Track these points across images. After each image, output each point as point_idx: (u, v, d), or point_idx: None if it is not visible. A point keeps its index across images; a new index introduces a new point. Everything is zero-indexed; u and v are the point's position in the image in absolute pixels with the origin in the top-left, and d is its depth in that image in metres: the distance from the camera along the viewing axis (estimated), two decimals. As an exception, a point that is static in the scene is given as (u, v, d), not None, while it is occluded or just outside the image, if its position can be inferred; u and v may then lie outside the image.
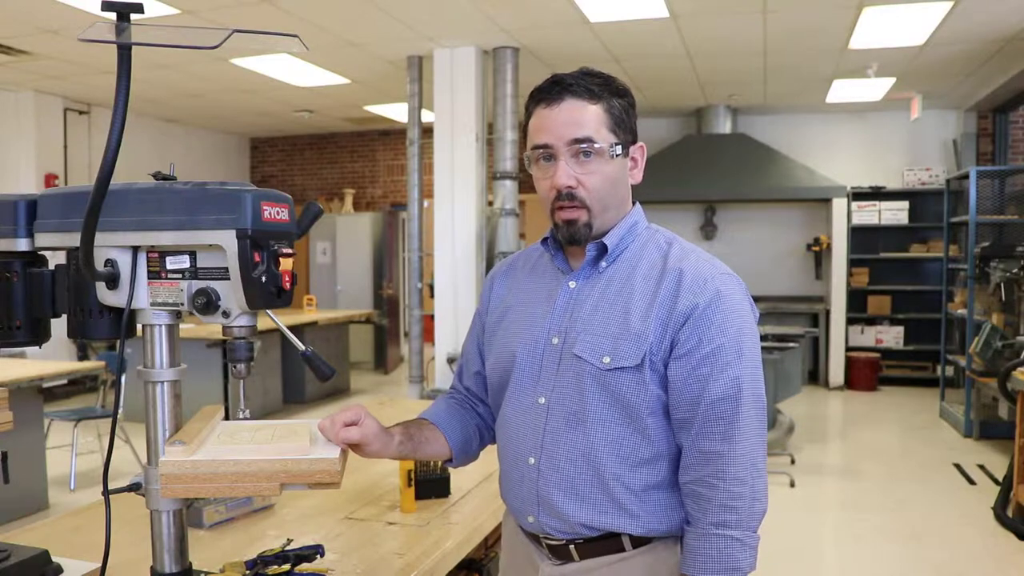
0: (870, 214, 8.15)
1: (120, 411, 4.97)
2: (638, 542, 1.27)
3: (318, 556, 1.41)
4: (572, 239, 1.29)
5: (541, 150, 1.27)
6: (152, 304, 1.13)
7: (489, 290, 1.49)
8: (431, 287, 6.30)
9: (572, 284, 1.33)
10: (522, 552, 1.41)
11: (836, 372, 8.09)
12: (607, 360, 1.23)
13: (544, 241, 1.40)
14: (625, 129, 1.29)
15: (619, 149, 1.27)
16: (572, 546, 1.30)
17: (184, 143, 9.27)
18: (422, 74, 6.23)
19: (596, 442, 1.25)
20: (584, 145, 1.24)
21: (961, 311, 6.38)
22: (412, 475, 1.82)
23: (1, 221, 1.15)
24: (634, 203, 1.37)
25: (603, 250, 1.31)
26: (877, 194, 8.16)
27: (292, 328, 1.21)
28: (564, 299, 1.33)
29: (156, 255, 1.12)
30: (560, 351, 1.30)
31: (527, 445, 1.32)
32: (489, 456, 2.26)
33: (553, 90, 1.27)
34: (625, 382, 1.23)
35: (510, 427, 1.36)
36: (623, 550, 1.27)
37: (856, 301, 8.29)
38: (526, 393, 1.33)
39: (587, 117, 1.25)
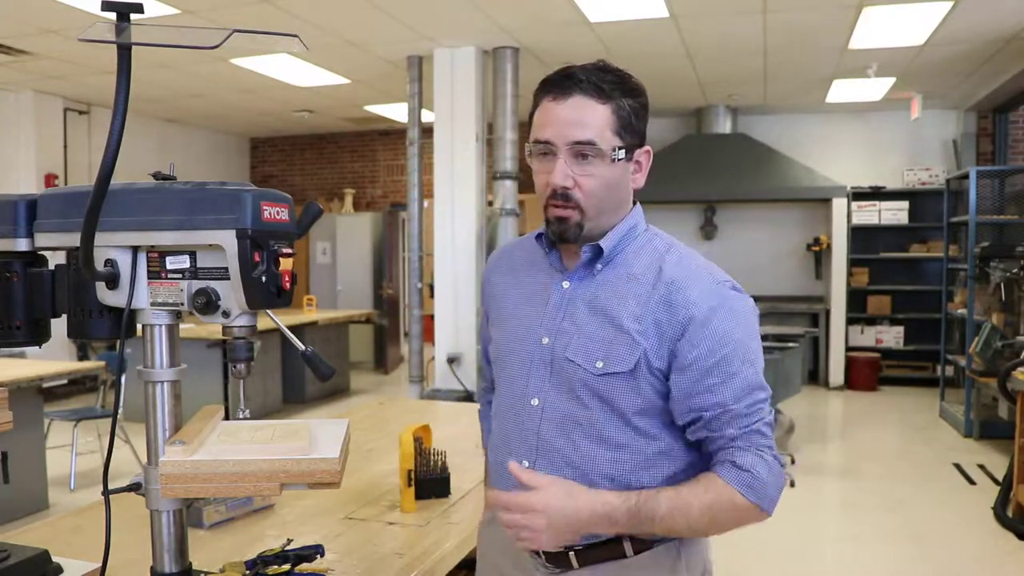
0: (870, 214, 8.15)
1: (120, 411, 4.98)
2: (639, 547, 1.25)
3: (318, 556, 1.41)
4: (561, 237, 1.25)
5: (541, 145, 1.23)
6: (152, 304, 1.13)
7: (486, 283, 1.47)
8: (431, 287, 6.30)
9: (566, 284, 1.30)
10: (510, 560, 1.37)
11: (836, 372, 8.08)
12: (600, 365, 1.21)
13: (539, 237, 1.35)
14: (632, 132, 1.23)
15: (622, 153, 1.22)
16: (571, 553, 1.26)
17: (184, 143, 9.27)
18: (422, 74, 6.22)
19: (592, 446, 1.23)
20: (585, 147, 1.20)
21: (961, 311, 6.38)
22: (412, 475, 1.81)
23: (1, 221, 1.15)
24: (635, 204, 1.32)
25: (598, 253, 1.27)
26: (877, 194, 8.16)
27: (292, 328, 1.21)
28: (557, 299, 1.30)
29: (156, 255, 1.12)
30: (551, 353, 1.27)
31: (522, 448, 1.29)
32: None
33: (563, 84, 1.21)
34: (618, 387, 1.21)
35: (504, 428, 1.34)
36: (624, 556, 1.25)
37: (856, 301, 8.28)
38: (518, 394, 1.31)
39: (593, 117, 1.20)
